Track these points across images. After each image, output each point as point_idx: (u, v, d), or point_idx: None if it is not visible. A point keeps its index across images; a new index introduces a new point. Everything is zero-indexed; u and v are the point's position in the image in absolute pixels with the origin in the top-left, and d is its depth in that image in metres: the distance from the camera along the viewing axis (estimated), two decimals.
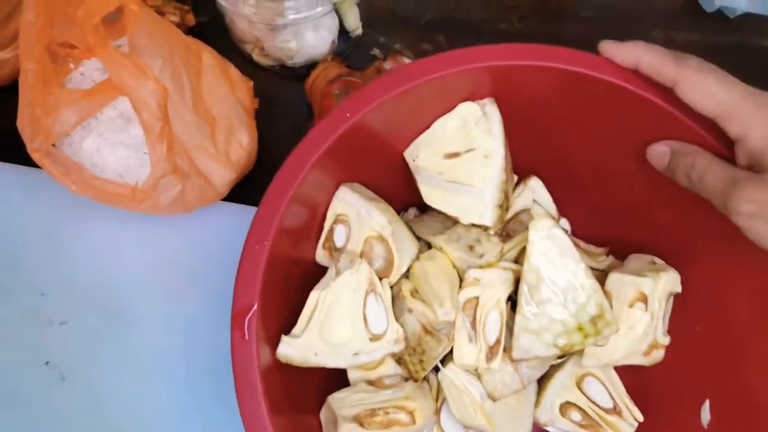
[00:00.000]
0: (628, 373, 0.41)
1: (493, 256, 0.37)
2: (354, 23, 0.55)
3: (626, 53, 0.33)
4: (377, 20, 0.58)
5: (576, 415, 0.40)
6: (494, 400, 0.37)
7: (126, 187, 0.44)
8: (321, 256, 0.39)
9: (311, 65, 0.54)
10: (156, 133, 0.41)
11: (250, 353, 0.30)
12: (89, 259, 0.50)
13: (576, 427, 0.40)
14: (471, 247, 0.37)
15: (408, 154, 0.37)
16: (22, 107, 0.42)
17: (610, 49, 0.33)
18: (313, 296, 0.33)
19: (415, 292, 0.36)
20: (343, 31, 0.55)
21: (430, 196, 0.36)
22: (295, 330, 0.34)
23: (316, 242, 0.39)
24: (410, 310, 0.36)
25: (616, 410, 0.40)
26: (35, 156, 0.42)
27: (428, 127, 0.36)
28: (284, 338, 0.33)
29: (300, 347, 0.33)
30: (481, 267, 0.36)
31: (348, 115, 0.31)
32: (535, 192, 0.43)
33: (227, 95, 0.49)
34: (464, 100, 0.35)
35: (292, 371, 0.33)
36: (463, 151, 0.35)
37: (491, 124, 0.35)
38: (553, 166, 0.42)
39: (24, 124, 0.42)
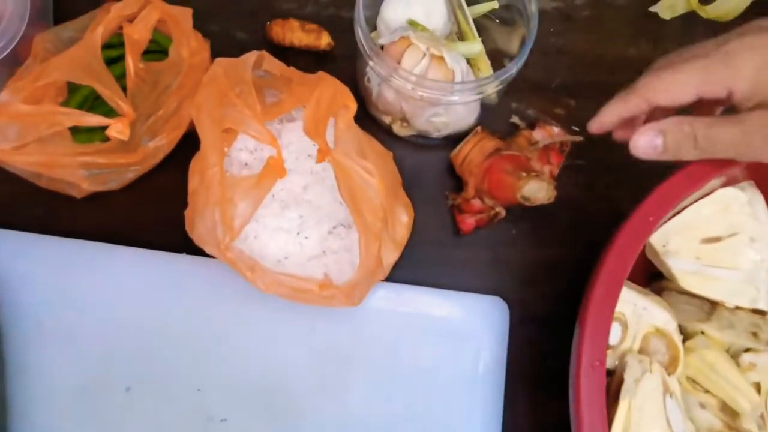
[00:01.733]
0: None
1: None
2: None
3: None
4: (508, 86, 0.57)
5: None
6: None
7: (313, 282, 0.41)
8: None
9: (449, 136, 0.53)
10: (374, 232, 0.40)
11: None
12: (249, 351, 0.47)
13: None
14: (754, 334, 0.36)
15: (656, 241, 0.36)
16: (211, 204, 0.40)
17: None
18: (623, 406, 0.32)
19: (694, 384, 0.35)
20: None
21: (686, 281, 0.35)
22: None
23: None
24: (702, 406, 0.35)
25: None
26: (229, 256, 0.40)
27: (677, 213, 0.35)
28: None
29: None
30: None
31: (651, 219, 0.30)
32: None
33: (391, 172, 0.48)
34: (723, 185, 0.35)
35: None
36: (725, 235, 0.35)
37: (755, 208, 0.34)
38: None
39: (214, 222, 0.40)
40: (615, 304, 0.31)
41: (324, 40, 0.55)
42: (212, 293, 0.48)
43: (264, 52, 0.46)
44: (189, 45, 0.49)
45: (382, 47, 0.48)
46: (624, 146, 0.56)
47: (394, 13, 0.51)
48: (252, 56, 0.45)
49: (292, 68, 0.46)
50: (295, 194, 0.48)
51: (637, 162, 0.55)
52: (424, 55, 0.47)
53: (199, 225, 0.43)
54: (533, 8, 0.48)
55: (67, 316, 0.48)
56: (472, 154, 0.50)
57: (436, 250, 0.52)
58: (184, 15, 0.50)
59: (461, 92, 0.46)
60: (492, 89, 0.46)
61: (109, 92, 0.46)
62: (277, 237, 0.47)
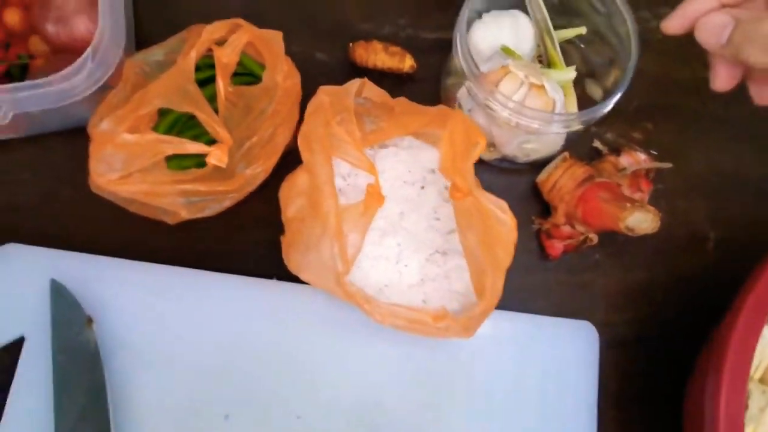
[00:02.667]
0: None
1: None
2: None
3: None
4: None
5: None
6: None
7: (428, 314, 0.42)
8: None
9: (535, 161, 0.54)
10: (503, 269, 0.40)
11: None
12: (347, 378, 0.47)
13: None
14: None
15: None
16: (329, 238, 0.40)
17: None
18: None
19: None
20: None
21: None
22: None
23: None
24: None
25: None
26: (348, 289, 0.40)
27: None
28: None
29: None
30: None
31: None
32: None
33: None
34: None
35: None
36: None
37: None
38: None
39: (332, 255, 0.40)
40: (755, 346, 0.32)
41: (407, 63, 0.55)
42: (309, 320, 0.48)
43: (366, 80, 0.46)
44: (282, 70, 0.49)
45: None
46: (703, 170, 0.57)
47: (483, 38, 0.51)
48: (355, 84, 0.45)
49: (402, 98, 0.46)
50: (392, 222, 0.48)
51: (717, 185, 0.56)
52: (522, 83, 0.47)
53: (306, 255, 0.43)
54: (631, 28, 0.48)
55: (164, 343, 0.48)
56: (562, 180, 0.50)
57: (521, 275, 0.53)
58: (275, 38, 0.50)
59: (562, 122, 0.46)
60: (595, 119, 0.46)
61: (208, 118, 0.46)
62: (377, 265, 0.47)
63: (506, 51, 0.49)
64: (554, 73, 0.49)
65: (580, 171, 0.50)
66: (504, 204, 0.41)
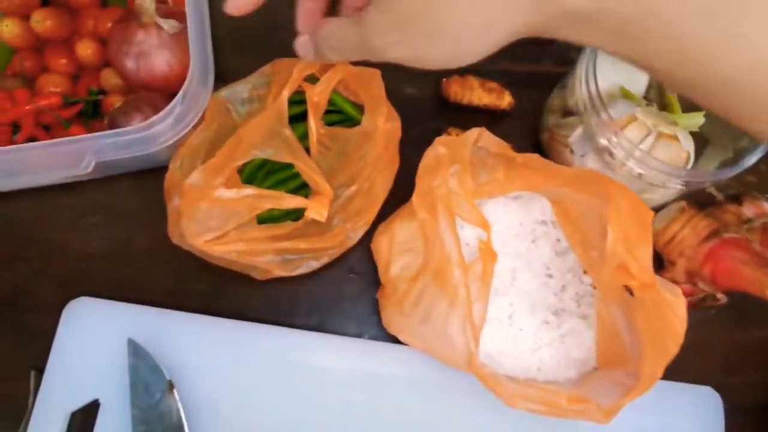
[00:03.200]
0: None
1: None
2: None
3: None
4: None
5: None
6: None
7: (562, 395, 0.38)
8: None
9: None
10: (668, 358, 0.36)
11: None
12: None
13: None
14: None
15: None
16: (463, 319, 0.36)
17: None
18: None
19: None
20: None
21: None
22: None
23: None
24: None
25: None
26: (482, 371, 0.36)
27: None
28: None
29: None
30: None
31: None
32: None
33: None
34: None
35: None
36: None
37: None
38: None
39: (466, 338, 0.36)
40: None
41: (506, 100, 0.51)
42: (406, 382, 0.44)
43: (484, 129, 0.42)
44: (383, 112, 0.45)
45: None
46: None
47: (604, 75, 0.46)
48: (473, 134, 0.41)
49: (534, 155, 0.42)
50: (503, 279, 0.44)
51: None
52: (650, 131, 0.43)
53: (423, 324, 0.40)
54: None
55: (249, 408, 0.44)
56: (682, 233, 0.46)
57: None
58: (374, 77, 0.46)
59: (693, 178, 0.42)
60: (726, 178, 0.42)
61: (308, 169, 0.42)
62: (490, 329, 0.43)
63: (625, 93, 0.45)
64: (683, 117, 0.45)
65: (703, 224, 0.46)
66: (678, 290, 0.37)
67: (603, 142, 0.43)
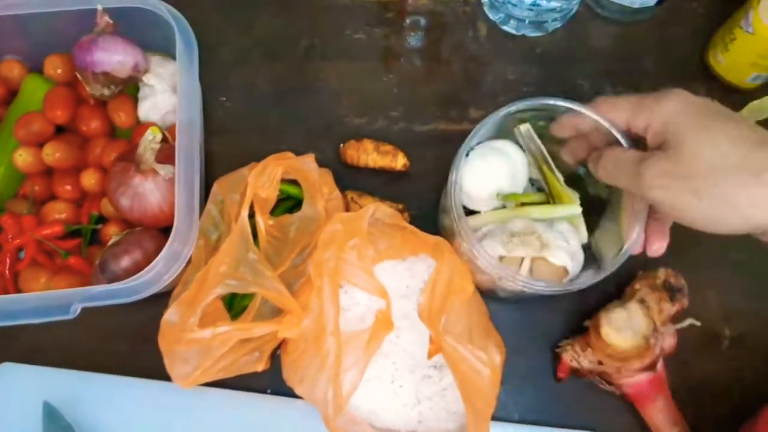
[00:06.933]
0: None
1: None
2: None
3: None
4: None
5: None
6: None
7: None
8: None
9: None
10: (484, 419, 0.39)
11: None
12: None
13: None
14: None
15: None
16: (325, 381, 0.40)
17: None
18: None
19: None
20: None
21: None
22: None
23: None
24: None
25: None
26: (337, 426, 0.40)
27: None
28: None
29: None
30: None
31: None
32: None
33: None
34: None
35: None
36: None
37: None
38: None
39: (325, 396, 0.40)
40: None
41: (400, 162, 0.54)
42: None
43: (378, 203, 0.47)
44: (323, 194, 0.49)
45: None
46: None
47: (473, 184, 0.47)
48: (370, 209, 0.46)
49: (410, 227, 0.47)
50: (388, 339, 0.47)
51: None
52: (523, 259, 0.44)
53: (303, 383, 0.43)
54: None
55: None
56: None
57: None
58: (307, 163, 0.50)
59: (575, 284, 0.42)
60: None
61: (275, 294, 0.44)
62: (371, 387, 0.46)
63: (506, 198, 0.47)
64: (559, 208, 0.45)
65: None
66: (484, 356, 0.40)
67: (493, 273, 0.42)
